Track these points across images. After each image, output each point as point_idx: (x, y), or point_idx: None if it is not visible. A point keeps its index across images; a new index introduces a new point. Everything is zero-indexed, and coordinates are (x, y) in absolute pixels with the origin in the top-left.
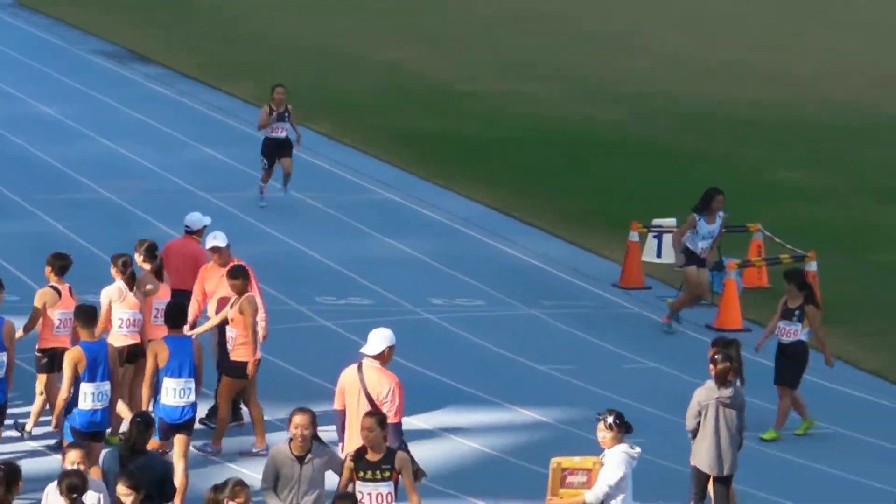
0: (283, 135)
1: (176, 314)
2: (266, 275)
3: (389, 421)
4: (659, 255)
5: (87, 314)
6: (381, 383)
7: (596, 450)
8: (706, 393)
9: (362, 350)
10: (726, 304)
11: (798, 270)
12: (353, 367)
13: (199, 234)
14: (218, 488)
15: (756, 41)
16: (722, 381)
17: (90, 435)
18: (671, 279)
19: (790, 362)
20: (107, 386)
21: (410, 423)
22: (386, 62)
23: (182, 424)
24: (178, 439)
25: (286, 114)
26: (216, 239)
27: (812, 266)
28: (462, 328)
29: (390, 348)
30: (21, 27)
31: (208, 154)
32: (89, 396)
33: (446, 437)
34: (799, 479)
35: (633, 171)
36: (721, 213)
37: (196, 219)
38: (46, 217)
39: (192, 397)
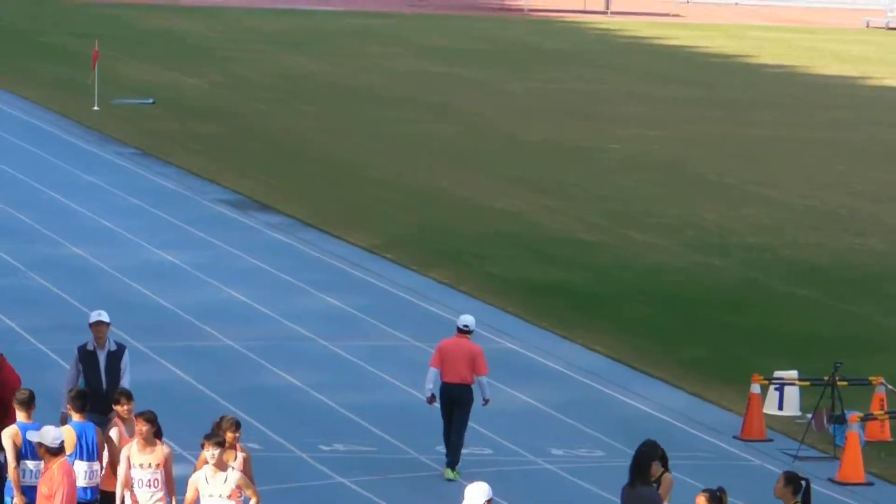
0: None
1: (82, 399)
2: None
3: None
4: (780, 407)
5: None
6: None
7: None
8: None
9: None
10: (849, 457)
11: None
12: None
13: (470, 333)
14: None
15: None
16: None
17: None
18: (793, 432)
19: None
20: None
21: None
22: (504, 211)
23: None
24: None
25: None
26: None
27: None
28: (583, 479)
29: (488, 501)
30: (141, 174)
31: (329, 302)
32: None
33: None
34: None
35: (752, 324)
36: None
37: (470, 320)
38: (168, 364)
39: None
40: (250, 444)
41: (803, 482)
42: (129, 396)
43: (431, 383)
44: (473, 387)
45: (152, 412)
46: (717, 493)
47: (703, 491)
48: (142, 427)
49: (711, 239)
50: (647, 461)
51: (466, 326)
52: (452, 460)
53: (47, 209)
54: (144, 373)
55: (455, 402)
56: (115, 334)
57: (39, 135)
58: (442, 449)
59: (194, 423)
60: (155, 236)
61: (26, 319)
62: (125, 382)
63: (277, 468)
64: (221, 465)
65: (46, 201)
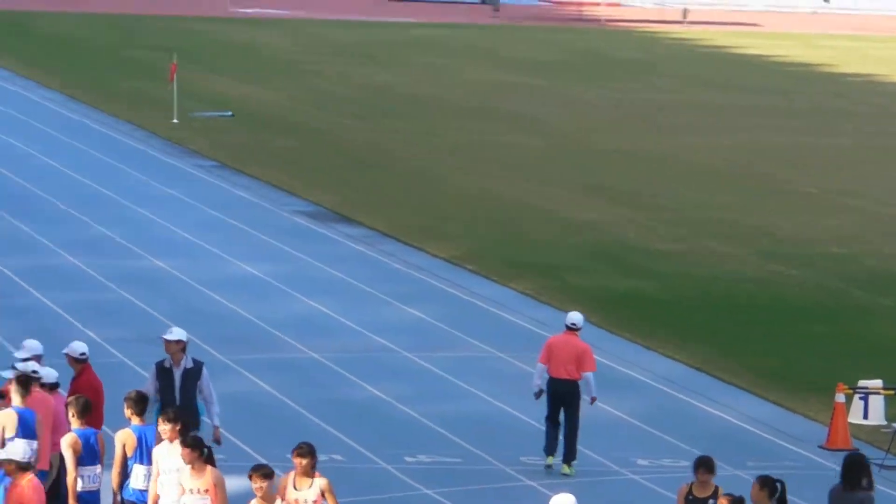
0: None
1: (143, 403)
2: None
3: None
4: (866, 416)
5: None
6: None
7: None
8: None
9: None
10: None
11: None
12: None
13: (578, 330)
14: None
15: None
16: None
17: None
18: (878, 441)
19: None
20: None
21: None
22: (580, 220)
23: None
24: None
25: None
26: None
27: None
28: (668, 489)
29: None
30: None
31: (410, 313)
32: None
33: None
34: None
35: (835, 332)
36: None
37: (578, 318)
38: (251, 376)
39: None
40: (334, 456)
41: (778, 485)
42: (169, 418)
43: (539, 378)
44: (581, 383)
45: (194, 437)
46: (739, 498)
47: (725, 494)
48: (184, 453)
49: (791, 249)
50: (867, 464)
51: (574, 324)
52: (568, 455)
53: (129, 222)
54: (227, 385)
55: (561, 397)
56: (198, 346)
57: (120, 148)
58: (527, 459)
59: (277, 436)
60: (235, 248)
61: (109, 331)
62: (212, 401)
63: (362, 480)
64: (269, 499)
65: (128, 214)
